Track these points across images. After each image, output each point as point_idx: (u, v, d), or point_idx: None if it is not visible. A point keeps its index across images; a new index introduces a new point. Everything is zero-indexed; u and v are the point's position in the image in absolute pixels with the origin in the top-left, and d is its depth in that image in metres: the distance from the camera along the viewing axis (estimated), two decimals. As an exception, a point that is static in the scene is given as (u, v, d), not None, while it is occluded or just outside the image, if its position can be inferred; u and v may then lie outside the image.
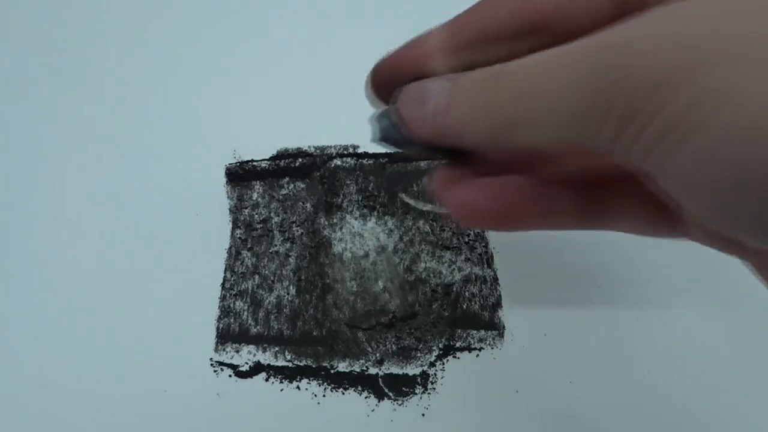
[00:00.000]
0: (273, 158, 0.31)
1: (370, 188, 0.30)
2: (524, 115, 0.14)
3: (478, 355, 0.25)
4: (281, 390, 0.24)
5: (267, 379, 0.25)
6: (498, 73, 0.15)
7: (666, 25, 0.12)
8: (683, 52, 0.12)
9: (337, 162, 0.30)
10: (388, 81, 0.18)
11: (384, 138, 0.18)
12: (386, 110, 0.17)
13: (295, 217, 0.29)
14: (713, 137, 0.11)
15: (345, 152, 0.31)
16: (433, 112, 0.16)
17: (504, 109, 0.15)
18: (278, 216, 0.29)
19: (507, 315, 0.26)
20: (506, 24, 0.16)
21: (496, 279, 0.27)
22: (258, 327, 0.26)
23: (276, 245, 0.28)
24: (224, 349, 0.25)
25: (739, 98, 0.11)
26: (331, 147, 0.31)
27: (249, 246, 0.28)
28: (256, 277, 0.27)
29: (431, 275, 0.27)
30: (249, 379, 0.25)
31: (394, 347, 0.25)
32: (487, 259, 0.28)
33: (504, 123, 0.15)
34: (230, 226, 0.29)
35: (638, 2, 0.15)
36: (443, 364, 0.25)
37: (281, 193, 0.30)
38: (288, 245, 0.28)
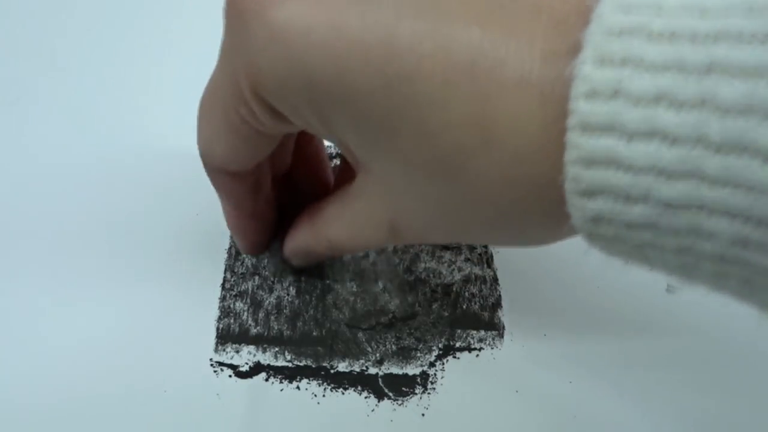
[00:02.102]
0: (273, 159, 0.31)
1: (370, 188, 0.30)
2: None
3: (478, 355, 0.25)
4: (281, 390, 0.24)
5: (267, 379, 0.25)
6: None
7: None
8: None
9: (337, 162, 0.30)
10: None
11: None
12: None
13: None
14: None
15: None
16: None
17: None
18: (278, 216, 0.29)
19: (507, 315, 0.26)
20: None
21: (496, 279, 0.27)
22: (258, 327, 0.26)
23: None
24: (224, 350, 0.25)
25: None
26: (331, 147, 0.31)
27: (249, 246, 0.28)
28: (256, 277, 0.27)
29: (431, 275, 0.27)
30: (249, 380, 0.25)
31: (393, 347, 0.25)
32: (487, 259, 0.28)
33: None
34: (230, 226, 0.29)
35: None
36: (443, 364, 0.25)
37: (281, 193, 0.30)
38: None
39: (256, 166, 0.20)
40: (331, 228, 0.20)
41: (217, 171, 0.20)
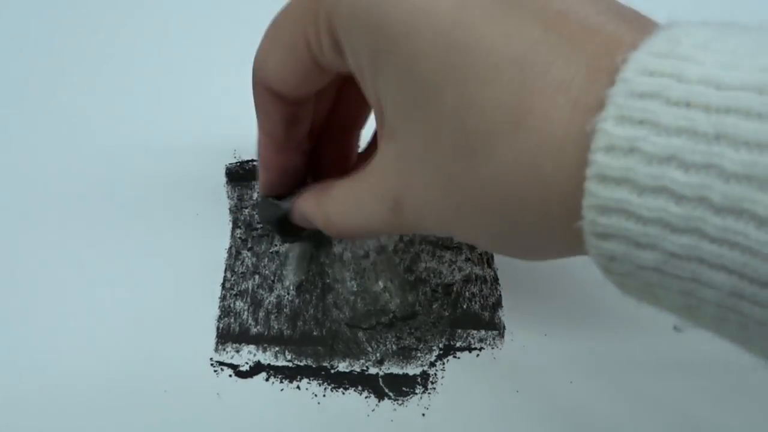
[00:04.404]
0: (273, 158, 0.31)
1: (370, 188, 0.30)
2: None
3: (478, 355, 0.25)
4: (281, 390, 0.24)
5: (267, 379, 0.25)
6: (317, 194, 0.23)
7: None
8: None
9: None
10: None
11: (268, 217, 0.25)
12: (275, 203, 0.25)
13: None
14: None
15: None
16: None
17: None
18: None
19: (507, 315, 0.26)
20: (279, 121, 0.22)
21: (496, 279, 0.27)
22: (258, 327, 0.26)
23: (276, 245, 0.28)
24: (224, 349, 0.25)
25: None
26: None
27: (249, 246, 0.28)
28: (257, 277, 0.27)
29: (431, 275, 0.27)
30: (249, 379, 0.25)
31: (394, 347, 0.25)
32: (488, 259, 0.28)
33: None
34: (230, 226, 0.29)
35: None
36: (443, 364, 0.25)
37: (281, 192, 0.30)
38: (288, 245, 0.28)
39: (297, 98, 0.21)
40: (333, 204, 0.21)
41: (263, 86, 0.21)
